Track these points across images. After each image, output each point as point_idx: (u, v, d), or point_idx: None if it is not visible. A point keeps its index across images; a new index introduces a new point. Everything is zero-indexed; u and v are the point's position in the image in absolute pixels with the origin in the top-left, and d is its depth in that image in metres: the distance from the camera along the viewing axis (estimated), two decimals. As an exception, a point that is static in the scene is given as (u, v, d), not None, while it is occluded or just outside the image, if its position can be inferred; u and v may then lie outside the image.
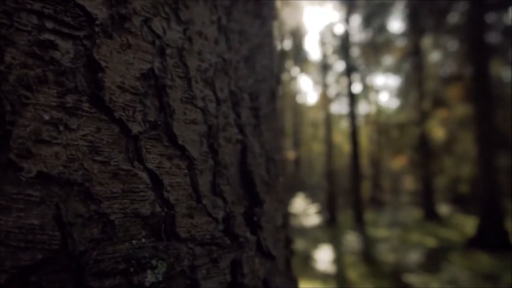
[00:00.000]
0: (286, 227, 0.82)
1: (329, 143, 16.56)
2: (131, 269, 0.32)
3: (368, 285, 7.93)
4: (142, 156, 0.36)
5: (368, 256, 9.92)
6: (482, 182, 11.19)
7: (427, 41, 18.43)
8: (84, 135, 0.32)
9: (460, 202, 18.37)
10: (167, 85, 0.39)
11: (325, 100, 16.58)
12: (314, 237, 12.36)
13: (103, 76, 0.33)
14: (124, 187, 0.34)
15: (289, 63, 23.91)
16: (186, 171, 0.40)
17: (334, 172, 19.87)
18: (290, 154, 24.68)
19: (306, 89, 62.78)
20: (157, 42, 0.39)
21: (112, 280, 0.31)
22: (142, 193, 0.35)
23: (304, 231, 11.29)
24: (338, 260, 9.80)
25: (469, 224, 13.84)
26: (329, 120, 16.47)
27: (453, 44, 16.53)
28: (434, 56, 19.80)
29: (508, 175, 14.81)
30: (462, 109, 15.83)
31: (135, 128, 0.35)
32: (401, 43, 18.33)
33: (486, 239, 10.52)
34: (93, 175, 0.32)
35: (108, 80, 0.33)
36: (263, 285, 0.50)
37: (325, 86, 16.73)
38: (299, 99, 29.59)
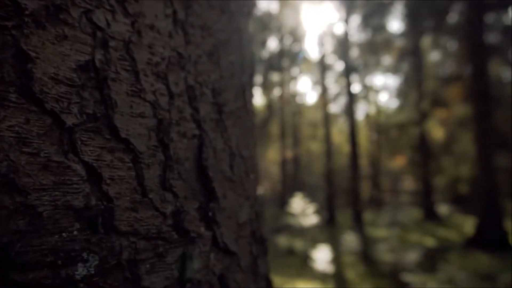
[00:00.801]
0: (259, 224, 0.82)
1: (328, 143, 16.55)
2: (59, 262, 0.31)
3: (367, 285, 7.92)
4: (77, 148, 0.35)
5: (367, 256, 9.92)
6: (481, 182, 11.19)
7: (426, 41, 18.43)
8: (10, 126, 0.31)
9: (460, 202, 18.35)
10: (110, 78, 0.38)
11: (324, 100, 16.58)
12: (313, 237, 12.35)
13: (33, 67, 0.32)
14: (56, 179, 0.33)
15: (288, 63, 23.92)
16: (130, 164, 0.40)
17: (334, 172, 19.85)
18: (289, 154, 24.67)
19: (306, 89, 62.74)
20: (99, 34, 0.38)
21: (37, 272, 0.30)
22: (75, 186, 0.34)
23: (303, 231, 11.28)
24: (337, 260, 9.80)
25: (468, 224, 13.83)
26: (328, 120, 16.46)
27: (452, 44, 16.53)
28: (433, 56, 19.80)
29: (507, 175, 14.80)
30: (461, 109, 15.83)
31: (70, 120, 0.35)
32: (400, 43, 18.32)
33: (485, 239, 10.51)
34: (20, 166, 0.31)
35: (39, 71, 0.33)
36: (219, 281, 0.50)
37: (324, 86, 16.73)
38: (299, 99, 29.60)
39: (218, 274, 0.50)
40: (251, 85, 0.85)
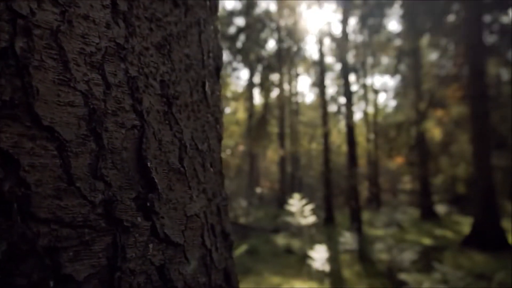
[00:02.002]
0: (221, 218, 0.82)
1: (326, 143, 16.56)
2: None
3: (363, 284, 7.93)
4: (-9, 135, 0.35)
5: (364, 255, 9.93)
6: (478, 182, 11.20)
7: (424, 41, 18.43)
8: None
9: (458, 202, 18.38)
10: (32, 66, 0.38)
11: (322, 100, 16.59)
12: (311, 236, 12.37)
13: None
14: (-34, 165, 0.33)
15: (287, 63, 23.92)
16: (55, 152, 0.40)
17: (332, 172, 19.86)
18: (287, 154, 24.67)
19: (305, 88, 62.87)
20: (20, 22, 0.38)
21: None
22: (-14, 171, 0.35)
23: (301, 231, 11.29)
24: (334, 259, 9.81)
25: (466, 224, 13.85)
26: (327, 120, 16.47)
27: (450, 44, 16.52)
28: (431, 56, 19.81)
29: (504, 175, 14.81)
30: (459, 109, 15.84)
31: (-18, 107, 0.35)
32: (397, 43, 18.33)
33: (482, 238, 10.53)
34: None
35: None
36: (158, 271, 0.50)
37: (322, 86, 16.72)
38: (297, 98, 29.61)
39: (158, 265, 0.50)
40: (214, 79, 0.85)
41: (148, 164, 0.51)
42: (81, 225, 0.40)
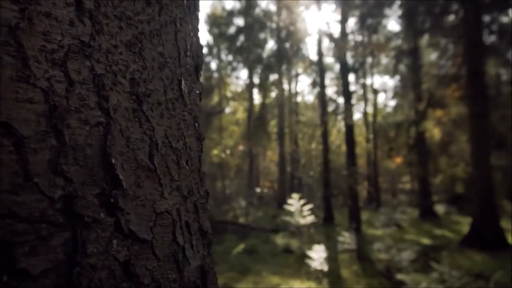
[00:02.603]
0: (198, 216, 0.82)
1: (325, 143, 16.56)
2: None
3: (361, 283, 7.94)
4: None
5: (362, 255, 9.95)
6: (476, 181, 11.21)
7: (423, 41, 18.43)
8: None
9: (457, 202, 18.38)
10: (-13, 63, 0.39)
11: (321, 99, 16.59)
12: (310, 236, 12.39)
13: None
14: None
15: (287, 63, 23.94)
16: (11, 148, 0.40)
17: (332, 172, 19.86)
18: (287, 153, 24.68)
19: (304, 88, 62.90)
20: (-25, 18, 0.39)
21: None
22: None
23: (300, 230, 11.31)
24: (333, 259, 9.83)
25: (465, 224, 13.84)
26: (326, 120, 16.48)
27: (449, 44, 16.53)
28: (430, 56, 19.81)
29: (504, 175, 14.81)
30: (458, 109, 15.84)
31: None
32: (396, 43, 18.34)
33: (480, 238, 10.53)
34: None
35: None
36: (122, 266, 0.50)
37: (322, 86, 16.73)
38: (297, 98, 29.63)
39: (122, 260, 0.50)
40: (193, 77, 0.85)
41: (113, 160, 0.51)
42: (38, 220, 0.41)
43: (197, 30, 0.92)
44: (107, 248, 0.48)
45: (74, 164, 0.46)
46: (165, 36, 0.72)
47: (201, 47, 0.95)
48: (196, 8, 0.91)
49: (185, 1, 0.83)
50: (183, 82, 0.78)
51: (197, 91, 0.89)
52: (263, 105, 23.46)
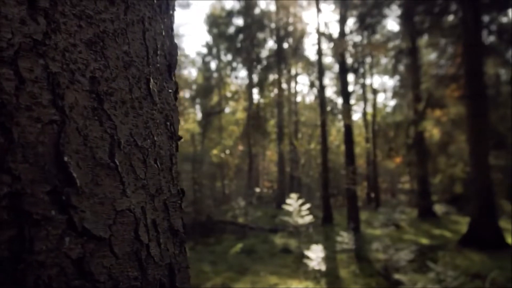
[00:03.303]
0: (169, 215, 0.82)
1: (324, 143, 16.56)
2: None
3: (359, 283, 7.94)
4: None
5: (361, 254, 9.95)
6: (475, 181, 11.20)
7: (422, 41, 18.43)
8: None
9: (457, 202, 18.37)
10: None
11: (321, 99, 16.60)
12: (308, 236, 12.39)
13: None
14: None
15: (286, 63, 23.93)
16: (-46, 146, 0.41)
17: (331, 171, 19.86)
18: (286, 153, 24.67)
19: (304, 88, 62.86)
20: None
21: None
22: None
23: (298, 230, 11.31)
24: (331, 258, 9.83)
25: (464, 223, 13.83)
26: (325, 120, 16.47)
27: (449, 44, 16.52)
28: (429, 56, 19.81)
29: (503, 174, 14.80)
30: (457, 109, 15.83)
31: None
32: (395, 43, 18.33)
33: (479, 238, 10.52)
34: None
35: None
36: (75, 264, 0.51)
37: (321, 85, 16.73)
38: (296, 98, 29.63)
39: (75, 258, 0.51)
40: (165, 76, 0.86)
41: (66, 158, 0.51)
42: (-19, 217, 0.41)
43: (171, 29, 0.93)
44: (58, 245, 0.48)
45: (23, 161, 0.46)
46: (132, 35, 0.72)
47: (174, 46, 0.95)
48: (168, 8, 0.91)
49: (155, 1, 0.83)
50: (151, 81, 0.79)
51: (170, 90, 0.89)
52: (258, 104, 23.45)
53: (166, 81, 0.87)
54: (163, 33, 0.87)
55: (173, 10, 0.98)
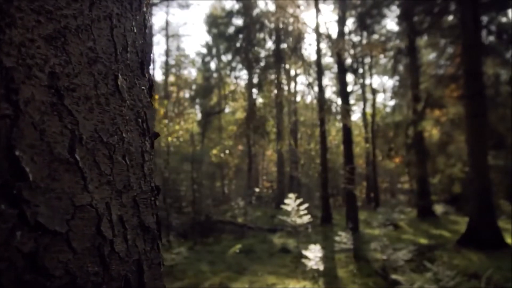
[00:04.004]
0: (140, 212, 0.83)
1: (323, 143, 16.56)
2: None
3: (357, 282, 7.94)
4: None
5: (359, 254, 9.95)
6: (473, 181, 11.19)
7: (421, 41, 18.42)
8: None
9: (456, 202, 18.36)
10: None
11: (320, 99, 16.59)
12: (307, 236, 12.39)
13: None
14: None
15: (286, 63, 23.92)
16: None
17: (331, 171, 19.86)
18: (285, 153, 24.66)
19: (303, 88, 62.83)
20: None
21: None
22: None
23: (297, 230, 11.31)
24: (329, 258, 9.83)
25: (463, 223, 13.83)
26: (324, 120, 16.47)
27: (448, 44, 16.51)
28: (429, 56, 19.80)
29: (502, 174, 14.78)
30: (456, 109, 15.82)
31: None
32: (394, 43, 18.32)
33: (477, 237, 10.52)
34: None
35: None
36: (27, 258, 0.51)
37: (320, 85, 16.73)
38: (296, 98, 29.62)
39: (27, 252, 0.51)
40: (136, 73, 0.86)
41: (17, 153, 0.51)
42: None
43: (144, 27, 0.93)
44: (8, 239, 0.49)
45: (-30, 156, 0.46)
46: (98, 31, 0.72)
47: (149, 44, 0.95)
48: (141, 5, 0.91)
49: None
50: (120, 77, 0.79)
51: (143, 87, 0.89)
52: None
53: (138, 78, 0.87)
54: (135, 30, 0.87)
55: (147, 7, 0.98)
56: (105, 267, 0.65)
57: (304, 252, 8.71)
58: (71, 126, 0.63)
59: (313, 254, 8.52)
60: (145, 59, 0.92)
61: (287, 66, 24.22)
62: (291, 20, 15.56)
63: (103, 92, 0.72)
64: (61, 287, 0.55)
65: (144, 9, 0.94)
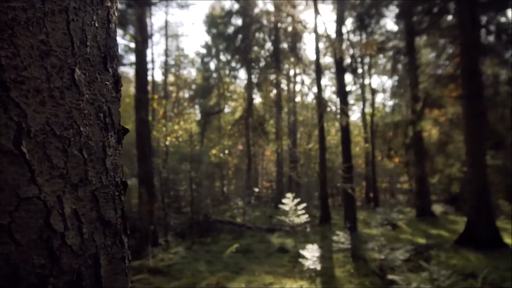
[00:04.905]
0: (100, 206, 0.82)
1: (322, 142, 16.55)
2: None
3: (354, 282, 7.93)
4: None
5: (357, 254, 9.94)
6: (471, 181, 11.18)
7: (421, 41, 18.40)
8: None
9: (455, 202, 18.35)
10: None
11: (319, 99, 16.58)
12: (305, 235, 12.38)
13: None
14: None
15: (285, 63, 23.93)
16: None
17: (330, 171, 19.85)
18: (284, 153, 24.66)
19: (303, 88, 62.78)
20: None
21: None
22: None
23: (295, 230, 11.31)
24: (327, 258, 9.83)
25: (462, 223, 13.81)
26: (322, 119, 16.46)
27: (447, 44, 16.49)
28: (427, 56, 19.78)
29: (501, 174, 14.76)
30: (455, 109, 15.81)
31: None
32: (393, 43, 18.32)
33: (475, 237, 10.50)
34: None
35: None
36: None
37: (319, 85, 16.72)
38: (295, 98, 29.62)
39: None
40: (98, 67, 0.85)
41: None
42: None
43: (107, 21, 0.92)
44: None
45: None
46: (52, 24, 0.72)
47: (112, 38, 0.95)
48: (103, 0, 0.91)
49: None
50: (77, 71, 0.78)
51: (106, 82, 0.89)
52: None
53: (100, 72, 0.87)
54: (96, 25, 0.86)
55: (112, 2, 0.97)
56: (53, 260, 0.65)
57: (302, 252, 8.71)
58: (17, 118, 0.62)
59: (311, 254, 8.51)
60: (108, 54, 0.91)
61: (286, 66, 24.23)
62: (289, 20, 15.55)
63: (57, 86, 0.72)
64: (0, 278, 0.55)
65: (108, 4, 0.94)
